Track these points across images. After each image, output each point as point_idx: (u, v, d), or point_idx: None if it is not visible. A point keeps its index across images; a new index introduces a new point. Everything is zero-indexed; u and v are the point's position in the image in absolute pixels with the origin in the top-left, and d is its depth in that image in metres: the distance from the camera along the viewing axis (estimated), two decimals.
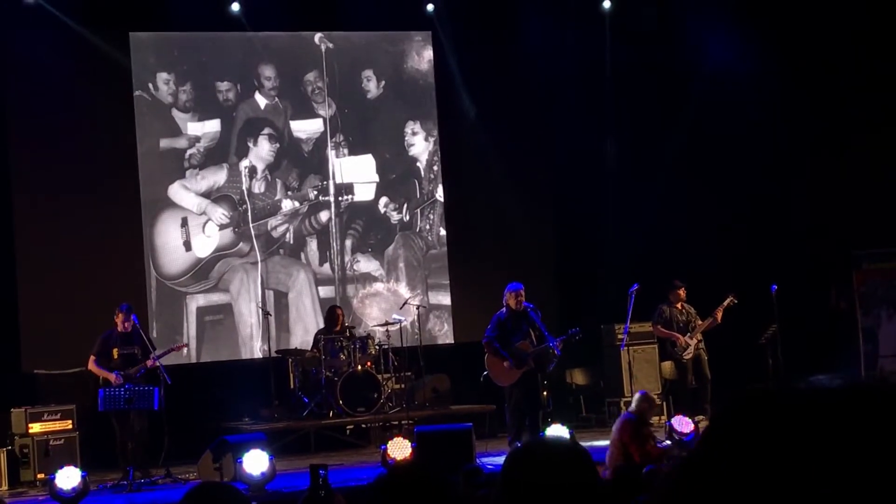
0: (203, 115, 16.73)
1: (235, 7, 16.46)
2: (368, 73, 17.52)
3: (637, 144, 17.46)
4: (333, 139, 17.26)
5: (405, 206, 17.54)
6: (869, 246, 16.69)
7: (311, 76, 17.23)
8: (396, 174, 17.59)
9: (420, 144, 17.72)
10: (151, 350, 13.26)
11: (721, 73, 16.70)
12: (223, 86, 16.87)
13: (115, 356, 13.13)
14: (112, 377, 12.96)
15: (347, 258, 17.21)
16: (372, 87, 17.54)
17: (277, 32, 17.13)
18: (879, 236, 16.34)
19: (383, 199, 17.48)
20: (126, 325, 13.17)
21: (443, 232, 17.63)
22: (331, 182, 17.20)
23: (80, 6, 15.70)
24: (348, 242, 17.26)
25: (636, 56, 17.39)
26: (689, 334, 14.71)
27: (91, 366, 13.24)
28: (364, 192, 17.40)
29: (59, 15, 15.59)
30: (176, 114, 16.60)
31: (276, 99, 17.09)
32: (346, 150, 17.34)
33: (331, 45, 17.30)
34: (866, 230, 16.29)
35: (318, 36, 17.27)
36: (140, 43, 16.52)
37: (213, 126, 16.76)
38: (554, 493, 2.85)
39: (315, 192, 17.15)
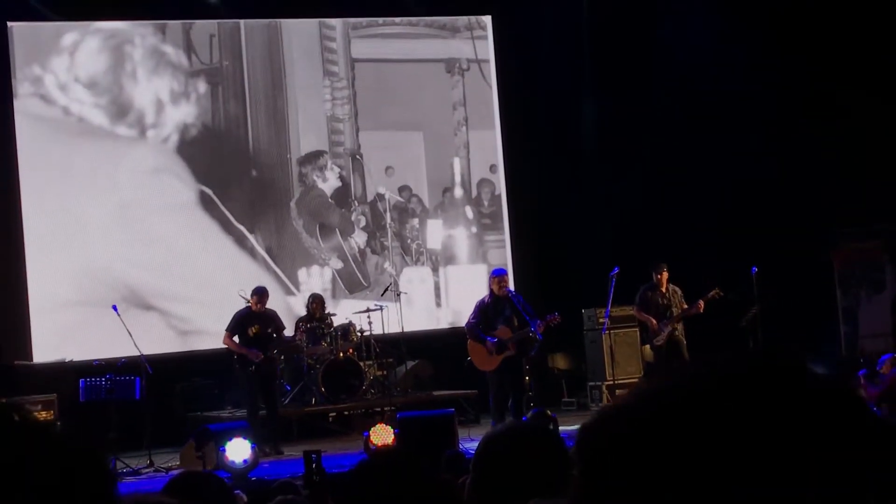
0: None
1: None
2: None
3: (616, 128, 17.46)
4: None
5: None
6: (848, 225, 16.73)
7: None
8: None
9: None
10: (284, 327, 14.23)
11: (700, 55, 16.70)
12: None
13: (251, 334, 13.76)
14: (253, 355, 13.62)
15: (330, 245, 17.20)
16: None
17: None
18: (858, 216, 16.40)
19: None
20: (259, 305, 13.87)
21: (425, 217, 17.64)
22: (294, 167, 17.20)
23: None
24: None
25: (615, 38, 17.38)
26: (665, 320, 14.68)
27: (227, 341, 13.87)
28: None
29: (35, 4, 15.52)
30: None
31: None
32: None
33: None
34: (846, 210, 16.34)
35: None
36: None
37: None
38: (525, 477, 2.85)
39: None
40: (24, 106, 15.86)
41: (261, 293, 13.97)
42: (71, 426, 12.89)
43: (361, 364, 15.23)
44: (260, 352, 13.63)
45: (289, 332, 14.88)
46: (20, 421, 1.22)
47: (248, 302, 14.94)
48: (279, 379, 15.24)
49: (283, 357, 15.35)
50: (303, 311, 15.83)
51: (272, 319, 14.06)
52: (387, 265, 17.35)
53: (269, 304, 14.22)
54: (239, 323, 13.87)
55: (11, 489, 1.14)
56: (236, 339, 13.87)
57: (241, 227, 16.71)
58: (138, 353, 13.06)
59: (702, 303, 14.56)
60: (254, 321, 13.87)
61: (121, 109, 16.31)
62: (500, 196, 17.97)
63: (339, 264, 17.18)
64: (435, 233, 17.66)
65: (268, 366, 13.83)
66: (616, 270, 14.58)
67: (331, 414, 15.18)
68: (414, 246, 17.58)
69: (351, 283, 17.18)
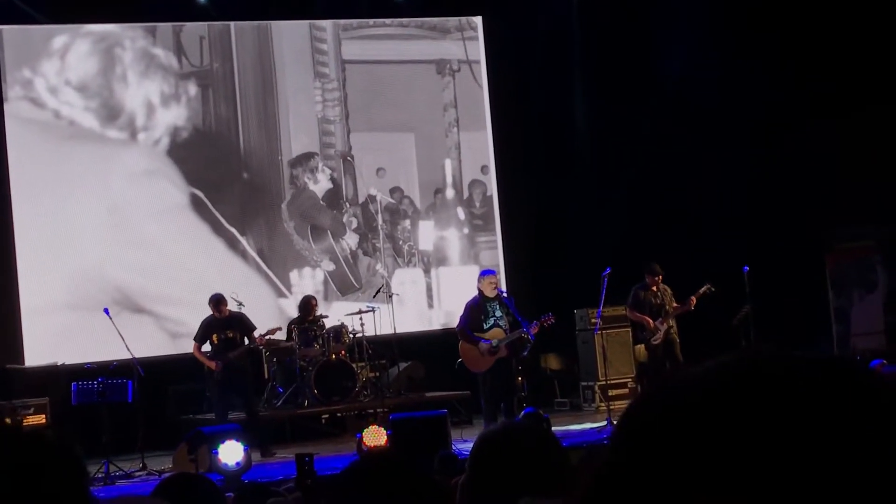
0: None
1: None
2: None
3: (608, 128, 17.47)
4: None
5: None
6: (841, 226, 16.73)
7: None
8: None
9: None
10: (253, 328, 13.84)
11: (692, 55, 16.71)
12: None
13: (215, 341, 13.71)
14: (212, 365, 13.58)
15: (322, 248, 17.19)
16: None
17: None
18: (851, 216, 16.40)
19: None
20: (218, 312, 13.72)
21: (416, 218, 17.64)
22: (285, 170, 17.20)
23: None
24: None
25: (606, 39, 17.39)
26: (660, 318, 14.69)
27: (195, 352, 13.82)
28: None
29: (25, 7, 15.50)
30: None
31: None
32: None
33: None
34: (838, 210, 16.33)
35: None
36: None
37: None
38: (520, 477, 2.84)
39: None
40: (14, 109, 15.83)
41: (215, 301, 13.82)
42: (62, 429, 12.87)
43: (354, 366, 15.23)
44: (219, 361, 13.55)
45: (282, 334, 14.89)
46: None
47: (241, 305, 14.95)
48: (272, 381, 15.22)
49: (275, 359, 15.35)
50: (295, 313, 15.82)
51: (237, 323, 13.89)
52: (379, 267, 17.34)
53: (262, 307, 14.23)
54: (204, 331, 13.81)
55: None
56: (207, 346, 13.82)
57: (233, 230, 16.69)
58: (130, 356, 13.05)
59: (693, 299, 14.57)
60: (215, 328, 13.78)
61: (111, 112, 16.29)
62: (491, 197, 17.97)
63: (331, 266, 17.17)
64: (427, 234, 17.66)
65: (234, 372, 13.71)
66: (608, 270, 14.56)
67: (323, 416, 15.17)
68: (406, 247, 17.57)
69: (343, 284, 17.17)
